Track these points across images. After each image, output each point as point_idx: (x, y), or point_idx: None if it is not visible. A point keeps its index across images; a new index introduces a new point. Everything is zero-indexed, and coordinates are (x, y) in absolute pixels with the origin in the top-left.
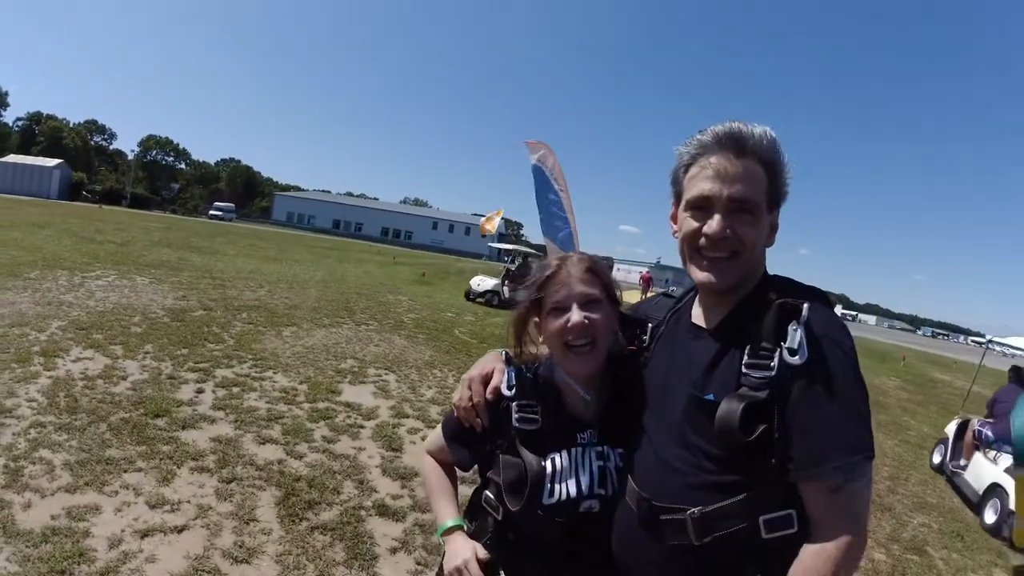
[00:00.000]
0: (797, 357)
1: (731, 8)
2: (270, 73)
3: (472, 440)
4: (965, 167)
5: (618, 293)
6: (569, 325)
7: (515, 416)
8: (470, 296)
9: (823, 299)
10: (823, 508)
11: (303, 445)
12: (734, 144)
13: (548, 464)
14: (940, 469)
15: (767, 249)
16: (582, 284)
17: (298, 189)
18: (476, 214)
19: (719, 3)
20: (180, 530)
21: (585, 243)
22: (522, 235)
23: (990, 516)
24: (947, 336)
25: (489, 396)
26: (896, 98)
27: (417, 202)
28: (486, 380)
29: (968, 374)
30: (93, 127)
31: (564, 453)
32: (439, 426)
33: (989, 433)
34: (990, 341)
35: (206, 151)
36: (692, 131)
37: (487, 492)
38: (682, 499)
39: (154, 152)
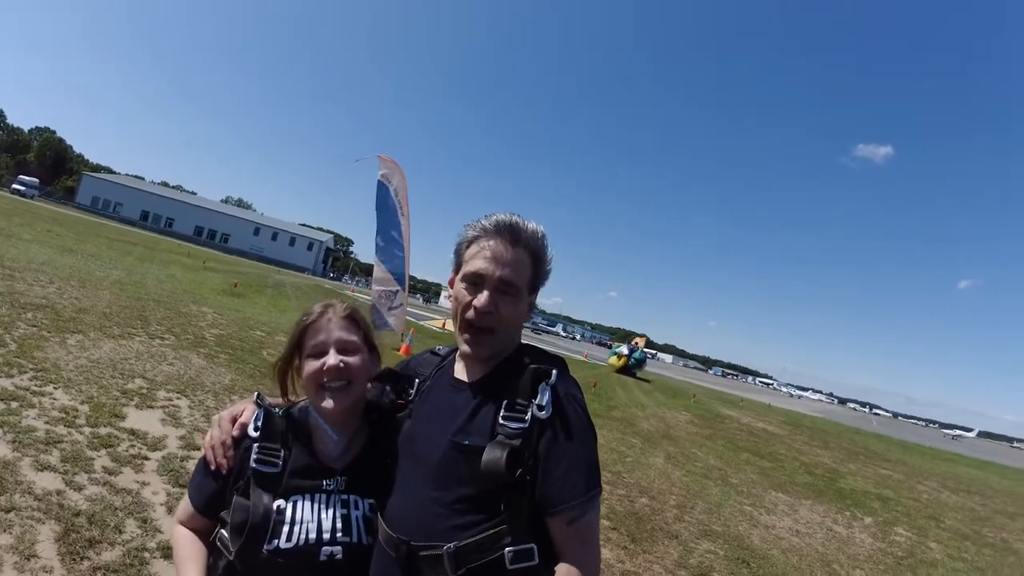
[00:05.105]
0: (544, 412)
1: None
2: (101, 33)
3: (219, 484)
4: (752, 229)
5: (377, 341)
6: (325, 368)
7: (253, 457)
8: None
9: (564, 365)
10: (564, 536)
11: (83, 476)
12: (510, 234)
13: (289, 508)
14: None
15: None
16: (340, 330)
17: (109, 171)
18: (305, 224)
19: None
20: None
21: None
22: (351, 252)
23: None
24: (736, 376)
25: (235, 433)
26: (694, 165)
27: (240, 203)
28: (235, 419)
29: (754, 411)
30: None
31: (307, 498)
32: (186, 494)
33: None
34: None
35: (23, 116)
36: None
37: (222, 531)
38: (439, 537)
39: None
